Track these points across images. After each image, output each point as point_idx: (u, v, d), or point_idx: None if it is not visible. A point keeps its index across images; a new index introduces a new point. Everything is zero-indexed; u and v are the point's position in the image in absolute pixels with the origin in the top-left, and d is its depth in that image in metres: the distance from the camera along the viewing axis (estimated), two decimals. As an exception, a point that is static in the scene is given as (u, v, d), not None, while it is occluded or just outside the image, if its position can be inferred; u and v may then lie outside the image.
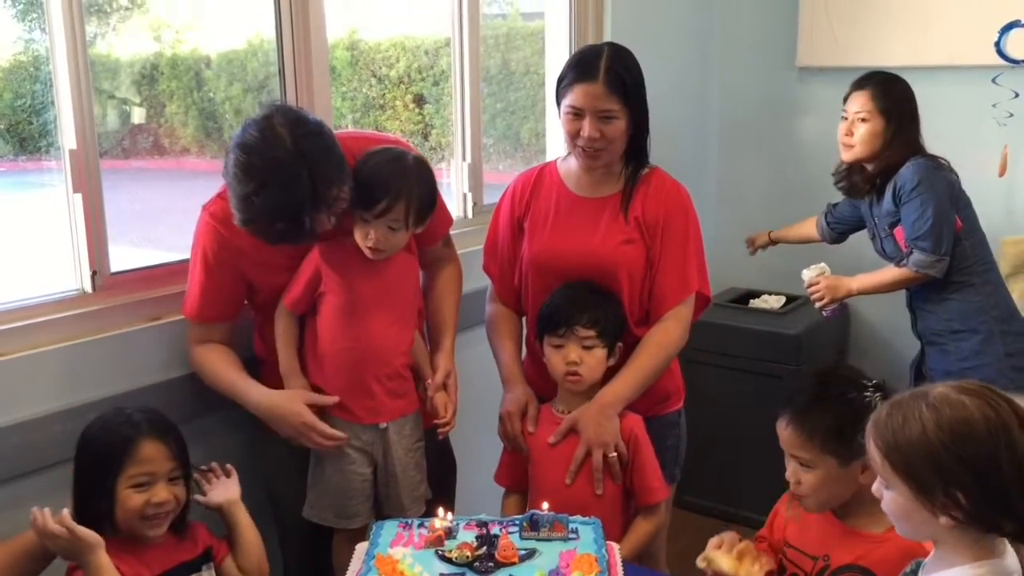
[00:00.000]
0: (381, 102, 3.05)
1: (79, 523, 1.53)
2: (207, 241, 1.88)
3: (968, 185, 2.67)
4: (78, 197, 1.90)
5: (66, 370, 1.85)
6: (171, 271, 2.09)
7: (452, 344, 2.09)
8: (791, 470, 1.65)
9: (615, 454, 1.94)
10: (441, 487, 2.11)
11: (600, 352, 1.97)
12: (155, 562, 1.63)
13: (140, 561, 1.61)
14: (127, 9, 2.34)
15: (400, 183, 1.83)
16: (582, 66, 1.98)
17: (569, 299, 1.99)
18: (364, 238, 1.86)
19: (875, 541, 1.57)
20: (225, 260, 1.88)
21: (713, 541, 1.65)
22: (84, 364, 1.88)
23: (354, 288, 1.89)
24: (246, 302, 2.00)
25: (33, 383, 1.81)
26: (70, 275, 1.95)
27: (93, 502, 1.59)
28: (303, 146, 1.68)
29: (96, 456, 1.62)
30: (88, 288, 1.95)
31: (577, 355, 1.95)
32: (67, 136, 1.89)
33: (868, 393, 1.60)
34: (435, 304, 2.14)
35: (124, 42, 2.32)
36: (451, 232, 2.21)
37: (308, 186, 1.66)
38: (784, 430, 1.64)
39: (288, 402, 1.87)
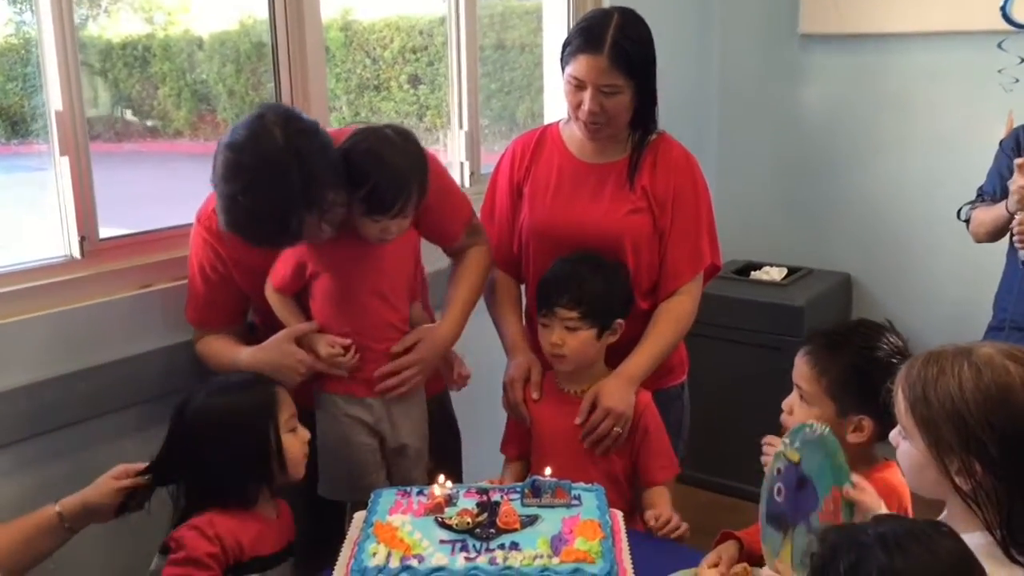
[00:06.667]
0: (376, 83, 3.03)
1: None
2: (202, 255, 1.85)
3: (972, 151, 2.64)
4: (65, 160, 1.87)
5: (55, 337, 1.82)
6: (161, 237, 2.07)
7: (449, 318, 1.99)
8: (789, 399, 1.65)
9: (619, 430, 1.91)
10: (446, 456, 2.08)
11: (585, 334, 1.90)
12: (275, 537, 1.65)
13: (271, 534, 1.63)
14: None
15: (405, 174, 1.75)
16: (588, 35, 1.91)
17: (557, 276, 1.92)
18: (381, 232, 1.78)
19: None
20: (221, 273, 1.86)
21: (710, 557, 1.63)
22: (73, 331, 1.85)
23: (347, 273, 1.83)
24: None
25: (19, 350, 1.78)
26: (58, 241, 1.92)
27: (254, 469, 1.60)
28: (295, 143, 1.60)
29: (252, 418, 1.60)
30: (76, 254, 1.92)
31: (559, 336, 1.90)
32: (53, 98, 1.86)
33: (892, 356, 1.57)
34: (449, 284, 2.06)
35: (115, 24, 2.31)
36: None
37: (298, 184, 1.59)
38: (800, 358, 1.64)
39: (275, 349, 1.81)
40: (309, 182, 1.61)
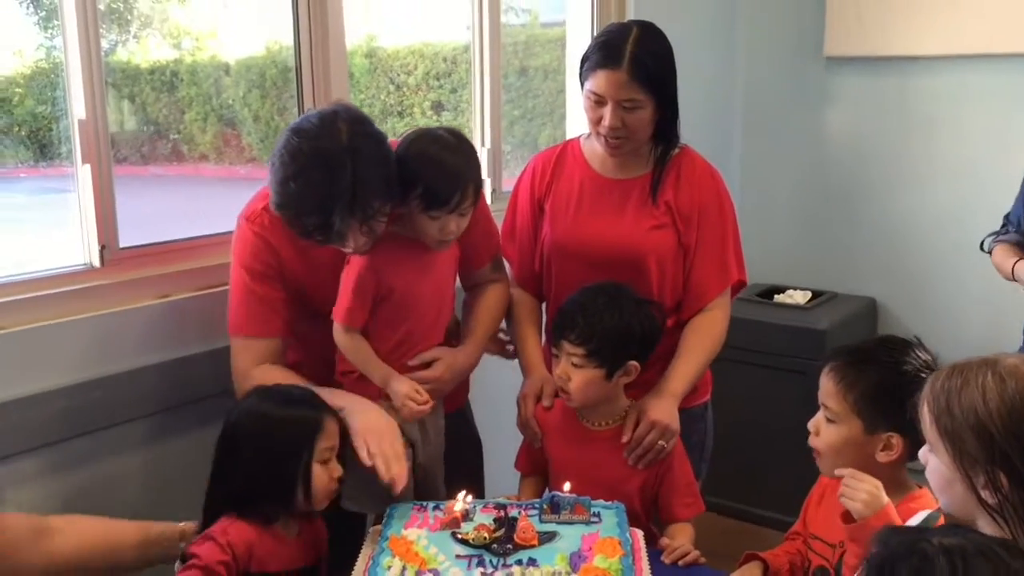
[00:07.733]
0: (399, 109, 3.06)
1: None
2: (250, 254, 1.82)
3: (1001, 177, 2.60)
4: (87, 168, 1.88)
5: (71, 345, 1.82)
6: (181, 248, 2.08)
7: (470, 345, 1.97)
8: (815, 419, 1.61)
9: (664, 444, 1.84)
10: (468, 470, 2.05)
11: (591, 372, 1.79)
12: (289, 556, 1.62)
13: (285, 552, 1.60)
14: (147, 16, 2.38)
15: (459, 168, 1.76)
16: (607, 49, 1.89)
17: (571, 306, 1.85)
18: (440, 232, 1.78)
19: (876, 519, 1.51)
20: (269, 265, 1.82)
21: None
22: (91, 339, 1.85)
23: (412, 286, 1.82)
24: None
25: (35, 357, 1.77)
26: (78, 249, 1.92)
27: (277, 488, 1.57)
28: (356, 144, 1.62)
29: (289, 436, 1.58)
30: (96, 263, 1.92)
31: (563, 370, 1.83)
32: (76, 106, 1.88)
33: (921, 370, 1.53)
34: (468, 314, 2.04)
35: (144, 50, 2.36)
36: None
37: (348, 184, 1.60)
38: (824, 376, 1.60)
39: (369, 408, 1.76)
40: (358, 185, 1.61)
